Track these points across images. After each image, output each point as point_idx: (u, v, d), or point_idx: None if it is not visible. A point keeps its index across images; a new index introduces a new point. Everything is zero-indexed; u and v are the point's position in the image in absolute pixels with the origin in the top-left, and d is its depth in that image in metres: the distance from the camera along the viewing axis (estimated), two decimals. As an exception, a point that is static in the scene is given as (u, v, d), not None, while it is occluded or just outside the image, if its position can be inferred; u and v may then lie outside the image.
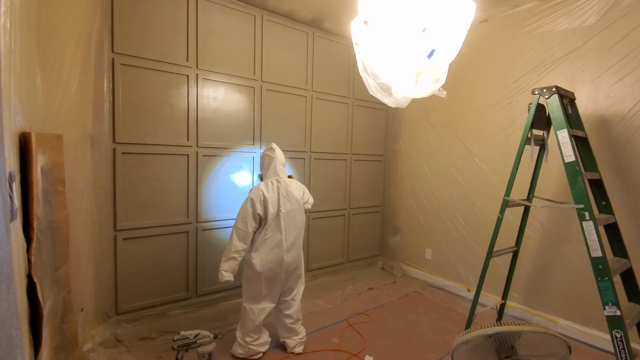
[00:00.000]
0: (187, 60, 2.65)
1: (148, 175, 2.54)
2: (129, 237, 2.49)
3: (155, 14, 2.50)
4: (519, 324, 1.13)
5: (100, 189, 2.35)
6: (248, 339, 2.20)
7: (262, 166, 2.31)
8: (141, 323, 2.51)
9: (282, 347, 2.35)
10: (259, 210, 2.14)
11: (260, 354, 2.25)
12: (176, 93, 2.63)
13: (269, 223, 2.16)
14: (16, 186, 0.93)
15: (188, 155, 2.70)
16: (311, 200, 2.39)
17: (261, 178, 2.32)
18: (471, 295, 3.19)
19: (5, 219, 0.75)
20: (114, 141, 2.40)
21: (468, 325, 2.50)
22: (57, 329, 1.90)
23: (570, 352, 1.20)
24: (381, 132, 4.11)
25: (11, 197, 0.79)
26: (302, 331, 2.35)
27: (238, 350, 2.22)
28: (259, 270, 2.13)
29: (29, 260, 1.08)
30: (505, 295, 2.74)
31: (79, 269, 2.21)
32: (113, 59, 2.36)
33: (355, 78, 3.73)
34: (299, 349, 2.30)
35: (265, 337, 2.29)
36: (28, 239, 1.09)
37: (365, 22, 1.70)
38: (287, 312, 2.28)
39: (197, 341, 1.98)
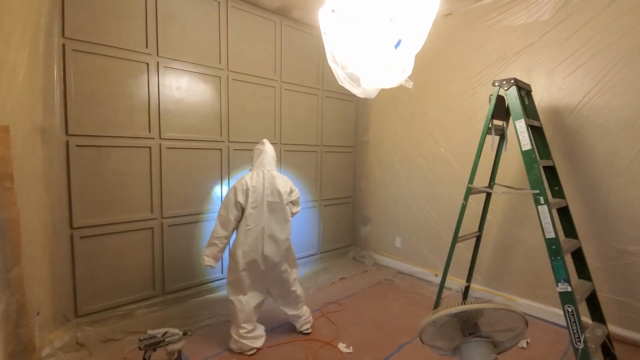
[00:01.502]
0: (147, 47, 2.53)
1: (106, 170, 2.41)
2: (87, 235, 2.36)
3: (109, -4, 2.35)
4: (482, 303, 1.21)
5: (54, 184, 2.20)
6: (241, 331, 2.19)
7: (252, 158, 2.35)
8: (104, 325, 2.41)
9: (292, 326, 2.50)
10: (241, 199, 2.18)
11: (255, 350, 2.22)
12: (135, 82, 2.50)
13: (250, 213, 2.19)
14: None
15: (150, 147, 2.59)
16: (297, 193, 2.40)
17: (251, 170, 2.35)
18: (439, 279, 3.32)
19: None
20: (67, 133, 2.25)
21: (435, 308, 2.63)
22: (12, 334, 1.78)
23: (527, 325, 1.29)
24: (351, 123, 4.16)
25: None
26: (306, 312, 2.47)
27: (232, 346, 2.23)
28: (240, 260, 2.17)
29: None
30: (469, 278, 2.90)
31: (32, 270, 2.07)
32: (64, 45, 2.20)
33: (324, 69, 3.72)
34: (306, 328, 2.45)
35: (260, 331, 2.29)
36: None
37: (333, 11, 1.70)
38: (284, 304, 2.38)
39: (166, 339, 1.93)
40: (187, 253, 2.85)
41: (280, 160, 3.43)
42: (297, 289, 2.40)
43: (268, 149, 2.32)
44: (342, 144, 4.05)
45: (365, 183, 4.15)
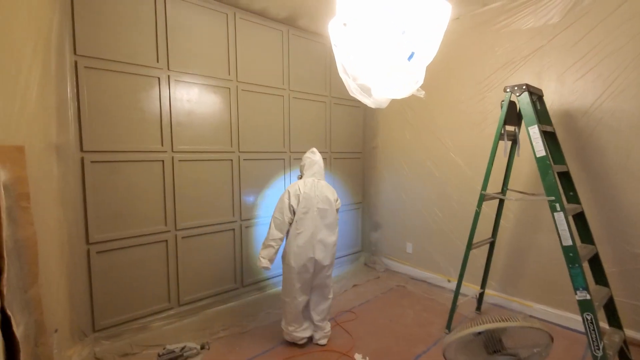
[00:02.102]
0: (157, 62, 2.53)
1: (121, 184, 2.42)
2: (103, 250, 2.37)
3: (120, 13, 2.36)
4: (506, 320, 1.19)
5: (69, 201, 2.21)
6: (290, 328, 2.39)
7: (303, 167, 2.47)
8: (121, 339, 2.41)
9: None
10: (294, 202, 2.32)
11: (305, 339, 2.43)
12: (147, 96, 2.51)
13: (301, 217, 2.31)
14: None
15: (163, 161, 2.60)
16: (340, 202, 2.54)
17: (300, 178, 2.49)
18: (451, 285, 3.31)
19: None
20: (81, 150, 2.26)
21: (451, 315, 2.60)
22: (31, 353, 1.78)
23: (552, 341, 1.27)
24: (359, 129, 4.14)
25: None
26: (328, 326, 2.51)
27: (286, 337, 2.44)
28: (292, 264, 2.30)
29: (1, 292, 1.00)
30: (483, 284, 2.87)
31: (49, 287, 2.08)
32: (76, 62, 2.21)
33: (332, 76, 3.72)
34: (323, 342, 2.47)
35: (307, 324, 2.45)
36: (-2, 269, 1.01)
37: (344, 24, 1.69)
38: (315, 310, 2.44)
39: (184, 354, 1.93)
40: (201, 264, 2.85)
41: (290, 168, 3.42)
42: (331, 297, 2.50)
43: (318, 159, 2.45)
44: (351, 150, 4.04)
45: (374, 188, 4.13)
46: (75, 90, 2.21)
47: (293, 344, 2.43)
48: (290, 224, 2.35)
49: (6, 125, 1.78)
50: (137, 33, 2.44)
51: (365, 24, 1.62)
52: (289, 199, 2.32)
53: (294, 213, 2.33)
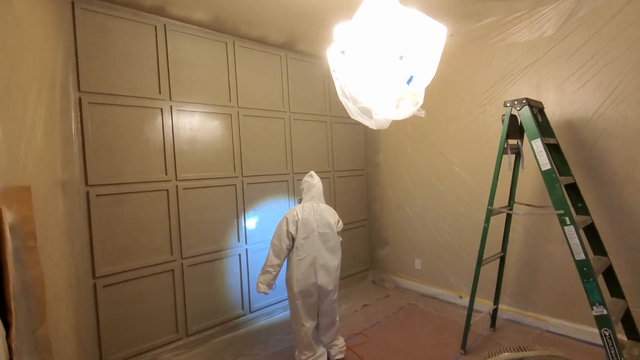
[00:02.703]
0: (160, 93, 2.57)
1: (126, 216, 2.42)
2: (109, 284, 2.35)
3: (122, 49, 2.41)
4: (525, 349, 1.15)
5: (75, 236, 2.21)
6: (303, 357, 2.34)
7: (302, 191, 2.46)
8: (130, 373, 2.37)
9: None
10: (292, 229, 2.31)
11: None
12: (150, 127, 2.53)
13: (302, 243, 2.30)
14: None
15: (167, 190, 2.60)
16: (341, 224, 2.51)
17: (299, 202, 2.48)
18: (463, 301, 3.24)
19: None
20: (86, 184, 2.27)
21: (465, 334, 2.54)
22: (39, 396, 1.74)
23: (573, 367, 1.22)
24: (361, 146, 4.15)
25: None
26: (341, 341, 2.53)
27: None
28: (295, 290, 2.30)
29: (10, 347, 0.98)
30: (496, 300, 2.80)
31: (57, 325, 2.05)
32: (80, 98, 2.25)
33: (331, 96, 3.75)
34: (340, 357, 2.48)
35: (320, 351, 2.42)
36: (6, 323, 0.99)
37: (342, 52, 1.71)
38: (325, 335, 2.45)
39: (194, 390, 1.89)
40: (208, 292, 2.82)
41: (293, 190, 3.42)
42: (338, 320, 2.49)
43: (317, 183, 2.44)
44: (354, 167, 4.03)
45: (379, 205, 4.10)
46: (79, 126, 2.24)
47: (305, 372, 2.37)
48: (289, 250, 2.34)
49: (13, 166, 1.79)
50: (138, 66, 2.48)
51: (363, 51, 1.64)
52: (287, 225, 2.31)
53: (293, 239, 2.32)
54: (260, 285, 2.30)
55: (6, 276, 1.02)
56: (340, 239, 2.48)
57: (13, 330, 0.99)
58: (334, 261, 2.37)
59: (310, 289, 2.31)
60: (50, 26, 2.10)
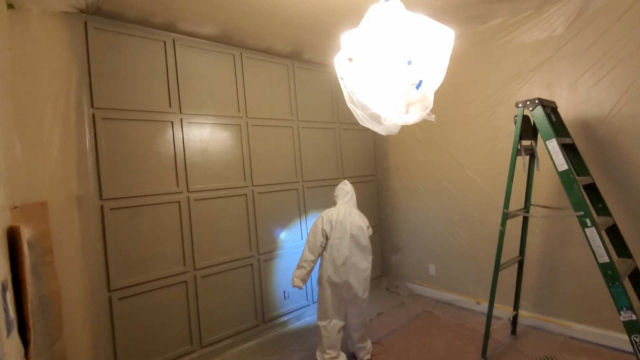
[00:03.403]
0: (170, 107, 2.61)
1: (140, 229, 2.44)
2: (124, 296, 2.36)
3: (133, 65, 2.46)
4: (552, 359, 1.09)
5: (91, 249, 2.23)
6: (326, 357, 2.41)
7: (337, 197, 2.63)
8: (146, 387, 2.36)
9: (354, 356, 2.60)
10: (326, 227, 2.45)
11: None
12: (161, 140, 2.56)
13: (335, 242, 2.42)
14: (10, 295, 0.86)
15: (179, 201, 2.62)
16: (371, 230, 2.63)
17: (334, 205, 2.62)
18: (481, 307, 3.15)
19: (1, 335, 0.67)
20: (101, 198, 2.30)
21: (485, 342, 2.46)
22: (57, 412, 1.75)
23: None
24: (370, 151, 4.12)
25: (6, 310, 0.71)
26: (369, 344, 2.59)
27: None
28: (327, 287, 2.42)
29: (27, 364, 0.98)
30: (516, 306, 2.72)
31: (73, 339, 2.07)
32: (94, 115, 2.29)
33: (339, 103, 3.75)
34: (367, 357, 2.55)
35: (343, 358, 2.48)
36: (25, 340, 1.00)
37: (350, 60, 1.70)
38: (354, 335, 2.51)
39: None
40: (222, 303, 2.81)
41: (304, 198, 3.40)
42: (368, 320, 2.64)
43: (351, 191, 2.62)
44: (363, 173, 4.01)
45: (390, 210, 4.05)
46: (93, 141, 2.28)
47: (321, 384, 2.33)
48: (323, 247, 2.47)
49: (31, 183, 1.84)
50: (149, 82, 2.53)
51: (370, 58, 1.63)
52: (322, 224, 2.46)
53: (327, 237, 2.46)
54: (295, 279, 2.44)
55: (25, 294, 1.03)
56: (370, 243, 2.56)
57: (32, 347, 1.00)
58: (364, 263, 2.46)
59: (342, 286, 2.40)
60: (64, 46, 2.17)
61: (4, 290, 0.75)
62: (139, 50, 2.49)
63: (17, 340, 0.92)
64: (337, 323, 2.42)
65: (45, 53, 2.08)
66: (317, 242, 2.45)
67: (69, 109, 2.16)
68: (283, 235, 3.24)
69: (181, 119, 2.65)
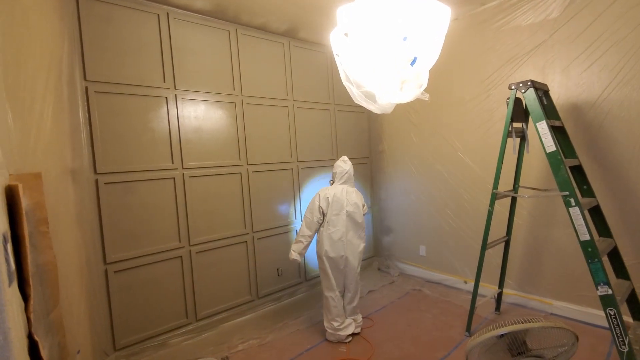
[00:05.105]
0: (164, 82, 2.59)
1: (134, 203, 2.46)
2: (120, 269, 2.40)
3: (126, 38, 2.42)
4: (528, 321, 1.17)
5: (86, 223, 2.25)
6: (335, 324, 2.54)
7: (335, 174, 2.68)
8: (142, 356, 2.43)
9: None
10: (323, 204, 2.55)
11: (350, 338, 2.60)
12: (156, 116, 2.56)
13: (332, 219, 2.54)
14: (10, 247, 0.88)
15: (174, 178, 2.64)
16: (366, 208, 2.76)
17: (331, 183, 2.71)
18: (468, 286, 3.27)
19: (3, 283, 0.70)
20: (95, 172, 2.31)
21: (470, 317, 2.56)
22: (56, 377, 1.80)
23: (577, 340, 1.24)
24: (364, 134, 4.15)
25: (7, 260, 0.74)
26: (360, 317, 2.72)
27: (330, 338, 2.59)
28: (326, 261, 2.54)
29: (28, 319, 1.02)
30: (501, 284, 2.82)
31: (70, 309, 2.11)
32: (86, 88, 2.27)
33: (334, 84, 3.74)
34: (357, 330, 2.67)
35: (349, 320, 2.62)
36: (25, 296, 1.03)
37: (346, 35, 1.71)
38: (347, 307, 2.63)
39: (205, 370, 1.94)
40: (216, 278, 2.87)
41: (298, 178, 3.44)
42: (360, 295, 2.71)
43: (349, 169, 2.67)
44: (358, 155, 4.04)
45: (384, 193, 4.11)
46: (87, 115, 2.27)
47: (313, 355, 2.41)
48: (320, 223, 2.58)
49: (24, 154, 1.83)
50: (143, 55, 2.50)
51: (366, 33, 1.64)
52: (319, 201, 2.56)
53: (323, 214, 2.56)
54: (293, 252, 2.55)
55: (24, 250, 1.06)
56: (364, 221, 2.68)
57: (32, 302, 1.03)
58: (359, 239, 2.61)
59: (339, 260, 2.53)
60: (55, 16, 2.12)
61: (5, 241, 0.78)
62: (132, 22, 2.45)
63: (18, 296, 0.96)
64: (340, 294, 2.58)
65: (35, 22, 2.03)
66: (314, 219, 2.55)
67: (61, 80, 2.13)
68: (277, 214, 3.29)
69: (175, 95, 2.64)
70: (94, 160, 2.30)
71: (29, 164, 1.82)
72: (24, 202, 1.57)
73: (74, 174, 2.19)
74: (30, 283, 1.04)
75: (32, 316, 1.03)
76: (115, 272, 2.38)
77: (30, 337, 1.03)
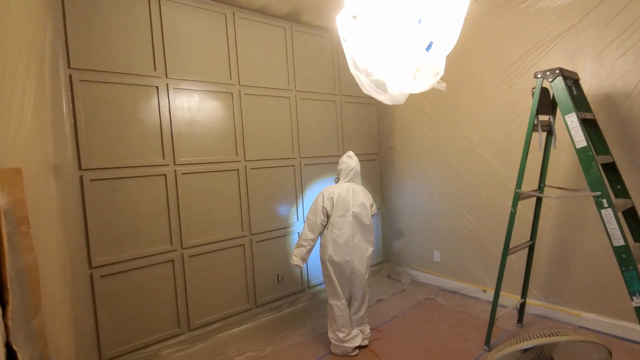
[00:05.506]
0: (155, 70, 2.59)
1: (122, 202, 2.47)
2: (107, 274, 2.41)
3: (113, 22, 2.42)
4: (556, 334, 1.15)
5: (70, 223, 2.26)
6: (341, 335, 2.50)
7: (340, 171, 2.68)
8: (130, 369, 2.44)
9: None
10: (327, 205, 2.52)
11: (357, 351, 2.57)
12: (145, 107, 2.56)
13: (336, 220, 2.51)
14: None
15: (165, 175, 2.64)
16: (375, 208, 2.74)
17: (336, 181, 2.70)
18: (487, 296, 3.24)
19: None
20: (80, 168, 2.31)
21: (489, 329, 2.54)
22: (37, 389, 1.81)
23: (610, 355, 1.22)
24: (374, 128, 4.13)
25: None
26: (367, 328, 2.69)
27: (335, 351, 2.57)
28: (330, 267, 2.51)
29: (6, 326, 1.02)
30: (524, 293, 2.80)
31: (53, 316, 2.12)
32: (70, 76, 2.28)
33: (340, 72, 3.73)
34: (365, 343, 2.64)
35: (356, 331, 2.59)
36: (2, 302, 1.03)
37: (354, 17, 1.69)
38: (353, 318, 2.60)
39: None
40: (210, 284, 2.88)
41: (301, 175, 3.43)
42: (367, 303, 2.67)
43: (355, 164, 2.65)
44: (366, 151, 4.03)
45: (395, 192, 4.10)
46: (71, 105, 2.28)
47: (315, 368, 2.41)
48: (324, 226, 2.55)
49: (3, 148, 1.83)
50: (131, 41, 2.50)
51: (377, 15, 1.62)
52: (323, 201, 2.53)
53: (328, 216, 2.54)
54: (294, 257, 2.53)
55: (2, 252, 1.06)
56: (372, 223, 2.65)
57: (10, 308, 1.03)
58: (366, 242, 2.58)
59: (345, 266, 2.50)
60: (37, -3, 2.12)
61: (-18, 242, 0.78)
62: (121, 5, 2.45)
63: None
64: (346, 302, 2.56)
65: (15, 4, 2.04)
66: (317, 220, 2.53)
67: (43, 67, 2.13)
68: (277, 215, 3.29)
69: (167, 84, 2.64)
70: (79, 155, 2.30)
71: (8, 158, 1.82)
72: (3, 200, 1.58)
73: (56, 169, 2.20)
74: (9, 287, 1.04)
75: (10, 323, 1.03)
76: (101, 276, 2.39)
77: (8, 346, 1.03)
